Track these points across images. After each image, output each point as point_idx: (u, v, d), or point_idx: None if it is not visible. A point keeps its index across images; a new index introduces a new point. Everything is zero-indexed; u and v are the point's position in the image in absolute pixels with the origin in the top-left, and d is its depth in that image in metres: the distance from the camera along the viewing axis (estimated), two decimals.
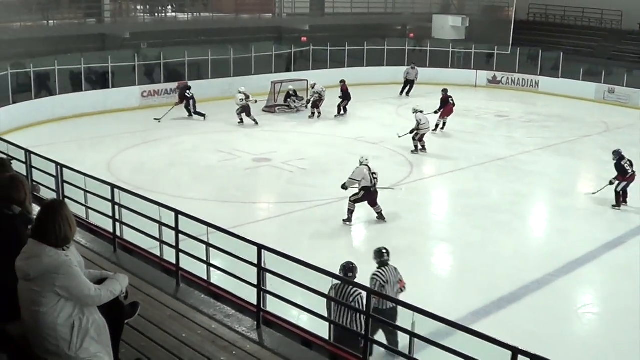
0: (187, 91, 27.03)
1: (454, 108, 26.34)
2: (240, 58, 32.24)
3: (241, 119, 26.34)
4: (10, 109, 24.34)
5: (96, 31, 30.82)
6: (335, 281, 8.23)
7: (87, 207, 10.25)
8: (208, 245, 8.14)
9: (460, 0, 44.57)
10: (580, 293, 13.62)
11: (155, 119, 25.86)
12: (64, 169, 10.68)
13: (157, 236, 8.96)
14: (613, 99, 33.25)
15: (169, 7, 35.86)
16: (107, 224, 9.56)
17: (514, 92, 36.03)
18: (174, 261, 8.22)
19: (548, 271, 13.59)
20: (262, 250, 7.09)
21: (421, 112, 22.91)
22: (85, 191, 10.34)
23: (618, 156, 17.70)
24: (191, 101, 26.91)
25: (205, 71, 31.51)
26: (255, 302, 7.22)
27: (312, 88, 28.33)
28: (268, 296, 7.30)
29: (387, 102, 31.23)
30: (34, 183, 11.60)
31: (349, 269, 9.05)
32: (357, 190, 15.91)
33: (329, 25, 38.72)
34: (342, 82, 28.92)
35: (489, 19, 41.28)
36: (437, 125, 25.85)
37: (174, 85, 29.82)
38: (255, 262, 7.16)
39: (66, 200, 9.76)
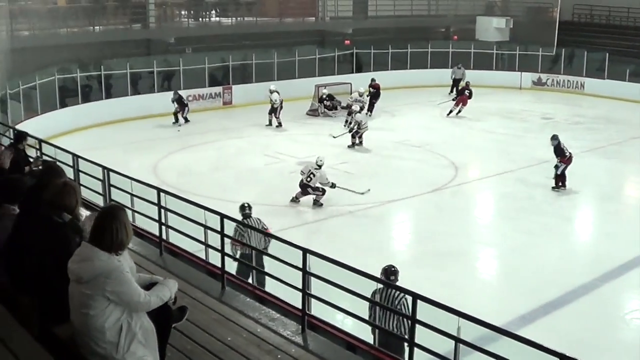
0: (183, 99, 27.26)
1: (469, 100, 28.84)
2: (284, 62, 32.43)
3: (279, 123, 26.42)
4: (57, 113, 24.84)
5: (141, 36, 31.18)
6: (379, 285, 8.21)
7: (134, 211, 10.35)
8: (253, 249, 8.18)
9: (504, 2, 44.15)
10: (627, 298, 13.38)
11: (178, 130, 25.96)
12: (111, 173, 10.83)
13: (203, 239, 9.03)
14: None
15: (213, 12, 36.14)
16: (153, 227, 9.66)
17: (559, 93, 35.53)
18: (219, 264, 8.27)
19: (595, 276, 13.40)
20: (307, 254, 7.10)
21: (359, 112, 24.03)
22: (132, 195, 10.46)
23: (557, 140, 18.92)
24: (186, 108, 27.00)
25: (250, 75, 31.72)
26: (300, 306, 7.24)
27: (360, 96, 27.61)
28: (312, 300, 7.30)
29: (431, 105, 31.04)
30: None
31: (390, 272, 9.00)
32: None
33: (372, 28, 38.65)
34: (373, 80, 29.41)
35: (533, 20, 40.78)
36: (451, 111, 29.06)
37: (218, 89, 30.09)
38: (300, 265, 7.17)
39: None
